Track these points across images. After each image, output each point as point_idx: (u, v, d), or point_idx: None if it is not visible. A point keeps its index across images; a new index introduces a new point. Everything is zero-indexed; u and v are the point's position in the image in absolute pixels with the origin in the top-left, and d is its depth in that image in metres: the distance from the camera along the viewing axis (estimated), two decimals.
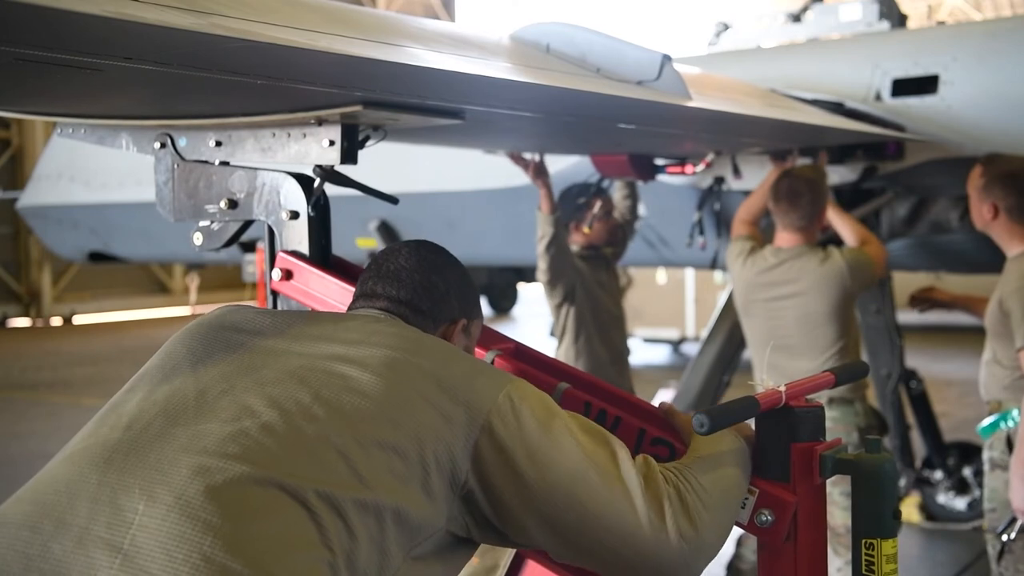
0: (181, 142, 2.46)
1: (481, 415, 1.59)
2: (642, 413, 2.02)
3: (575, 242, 4.78)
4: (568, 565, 1.83)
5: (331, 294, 2.28)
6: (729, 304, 5.24)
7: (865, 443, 1.82)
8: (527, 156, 4.46)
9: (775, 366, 4.06)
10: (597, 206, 4.73)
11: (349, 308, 1.94)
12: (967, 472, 5.91)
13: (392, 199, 2.57)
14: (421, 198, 6.39)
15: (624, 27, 22.49)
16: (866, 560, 1.76)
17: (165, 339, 1.81)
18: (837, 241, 4.44)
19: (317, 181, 2.34)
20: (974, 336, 4.23)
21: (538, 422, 1.62)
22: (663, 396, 5.98)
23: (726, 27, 6.08)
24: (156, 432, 1.52)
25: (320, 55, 1.81)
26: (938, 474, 5.99)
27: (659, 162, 4.68)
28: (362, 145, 2.38)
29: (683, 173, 4.71)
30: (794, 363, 4.01)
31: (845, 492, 3.89)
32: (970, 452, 5.89)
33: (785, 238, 4.16)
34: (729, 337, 5.40)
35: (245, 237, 2.59)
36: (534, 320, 17.92)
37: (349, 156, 2.29)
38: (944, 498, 5.97)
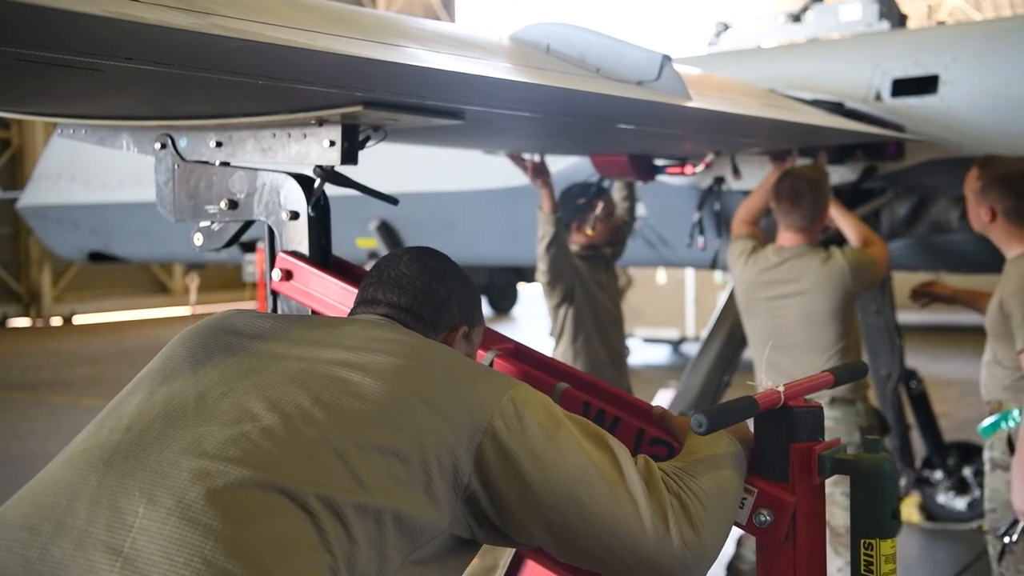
0: (182, 142, 2.46)
1: (484, 418, 1.59)
2: (641, 413, 2.02)
3: (576, 242, 4.78)
4: (568, 565, 1.83)
5: (331, 294, 2.28)
6: (729, 304, 5.24)
7: (864, 443, 1.82)
8: (526, 156, 4.46)
9: (775, 365, 4.06)
10: (599, 207, 4.73)
11: (350, 314, 1.94)
12: (967, 472, 5.92)
13: (392, 200, 2.57)
14: (421, 198, 6.39)
15: (624, 27, 22.50)
16: (865, 560, 1.77)
17: (165, 339, 1.82)
18: (840, 241, 4.44)
19: (317, 181, 2.34)
20: (974, 336, 4.23)
21: (541, 426, 1.62)
22: (663, 396, 5.97)
23: (726, 27, 6.08)
24: (156, 434, 1.52)
25: (320, 55, 1.82)
26: (938, 474, 5.99)
27: (659, 162, 4.68)
28: (362, 145, 2.38)
29: (683, 173, 4.71)
30: (795, 362, 4.01)
31: (846, 492, 3.89)
32: (970, 452, 5.89)
33: (787, 238, 4.16)
34: (729, 337, 5.40)
35: (246, 237, 2.59)
36: (534, 320, 17.91)
37: (349, 156, 2.29)
38: (944, 498, 5.97)
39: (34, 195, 8.86)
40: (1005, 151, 4.22)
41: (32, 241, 18.21)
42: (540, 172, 4.47)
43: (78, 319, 20.32)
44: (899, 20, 5.44)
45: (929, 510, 6.01)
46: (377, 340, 1.69)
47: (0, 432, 9.23)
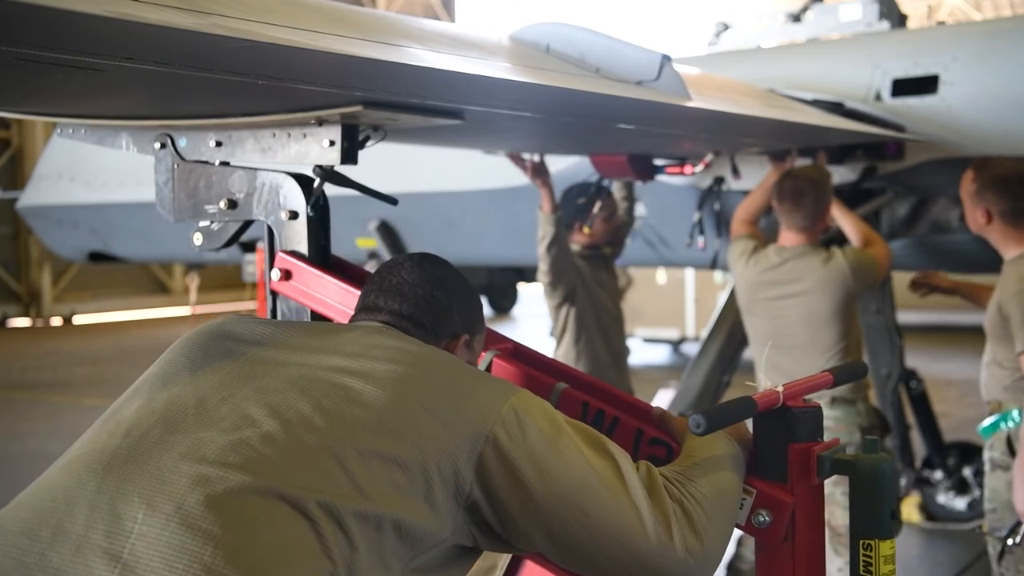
0: (181, 142, 2.46)
1: (485, 426, 1.58)
2: (640, 413, 2.02)
3: (577, 242, 4.78)
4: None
5: (330, 295, 2.28)
6: (729, 304, 5.24)
7: (863, 444, 1.82)
8: (526, 156, 4.46)
9: (776, 365, 4.06)
10: (597, 206, 4.73)
11: (351, 320, 1.93)
12: (967, 472, 5.91)
13: (391, 200, 2.57)
14: (421, 198, 6.39)
15: (624, 27, 22.49)
16: (864, 561, 1.76)
17: (165, 339, 1.81)
18: (841, 240, 4.45)
19: (316, 181, 2.34)
20: (974, 336, 4.23)
21: (543, 433, 1.62)
22: (663, 396, 5.97)
23: (726, 27, 6.08)
24: (155, 439, 1.51)
25: (320, 55, 1.82)
26: (938, 474, 5.99)
27: (658, 162, 4.68)
28: (362, 145, 2.38)
29: (682, 173, 4.71)
30: (796, 363, 4.01)
31: (847, 491, 3.89)
32: (970, 452, 5.89)
33: (789, 237, 4.16)
34: (729, 337, 5.40)
35: (246, 237, 2.59)
36: (534, 320, 17.91)
37: (349, 156, 2.29)
38: (944, 498, 5.97)
39: (34, 195, 8.86)
40: (1005, 151, 4.22)
41: (32, 241, 18.22)
42: (540, 172, 4.47)
43: (78, 319, 20.31)
44: (899, 20, 5.44)
45: (929, 510, 6.01)
46: (378, 347, 1.68)
47: (0, 432, 9.23)
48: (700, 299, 13.26)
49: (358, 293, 2.16)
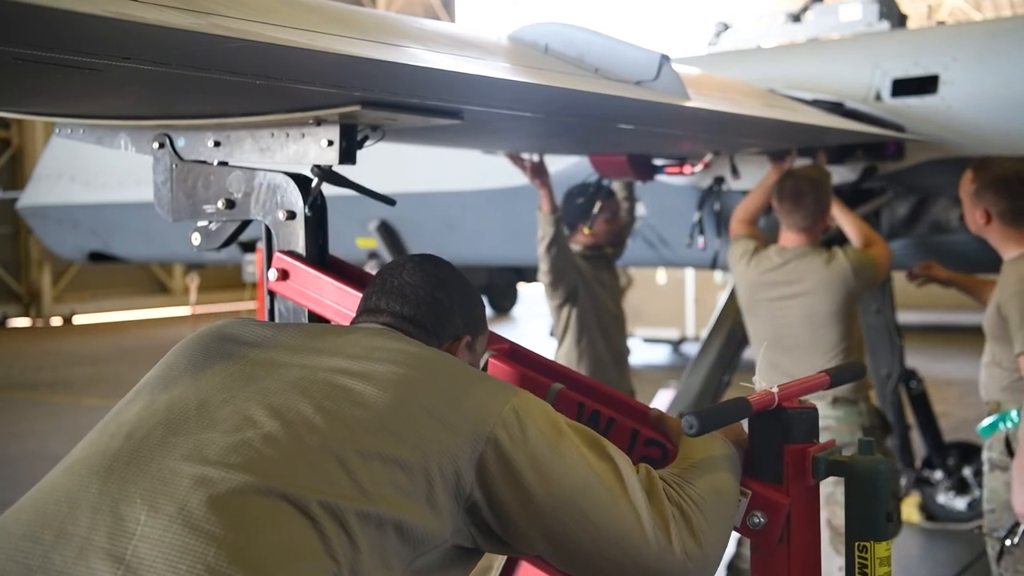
0: (179, 142, 2.46)
1: (486, 428, 1.58)
2: (636, 414, 2.01)
3: (579, 242, 4.78)
4: None
5: (327, 295, 2.27)
6: (729, 304, 5.24)
7: (859, 445, 1.82)
8: (525, 156, 4.46)
9: (778, 366, 4.05)
10: (597, 206, 4.73)
11: (353, 322, 1.93)
12: (967, 472, 5.91)
13: (389, 200, 2.57)
14: (421, 198, 6.39)
15: (624, 27, 22.49)
16: (859, 563, 1.76)
17: (165, 339, 1.82)
18: (841, 240, 4.45)
19: (314, 181, 2.34)
20: (974, 336, 4.23)
21: (543, 435, 1.62)
22: (663, 396, 5.97)
23: (726, 27, 6.08)
24: (157, 441, 1.51)
25: (319, 55, 1.82)
26: (938, 474, 5.99)
27: (658, 162, 4.68)
28: (360, 145, 2.37)
29: (681, 173, 4.71)
30: (798, 363, 4.01)
31: None
32: (970, 452, 5.88)
33: (789, 238, 4.16)
34: (729, 337, 5.39)
35: (247, 237, 2.59)
36: (534, 320, 17.91)
37: (348, 156, 2.29)
38: (944, 498, 5.97)
39: (34, 195, 8.86)
40: (1005, 151, 4.22)
41: (32, 241, 18.22)
42: (539, 172, 4.46)
43: (78, 319, 20.32)
44: (899, 20, 5.43)
45: (929, 510, 6.01)
46: (379, 349, 1.68)
47: (0, 432, 9.23)
48: (700, 299, 13.26)
49: (355, 293, 2.17)
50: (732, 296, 5.10)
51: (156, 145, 2.48)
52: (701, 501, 1.68)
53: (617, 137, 3.72)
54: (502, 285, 19.69)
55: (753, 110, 3.58)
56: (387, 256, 6.81)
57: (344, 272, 2.37)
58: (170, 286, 21.79)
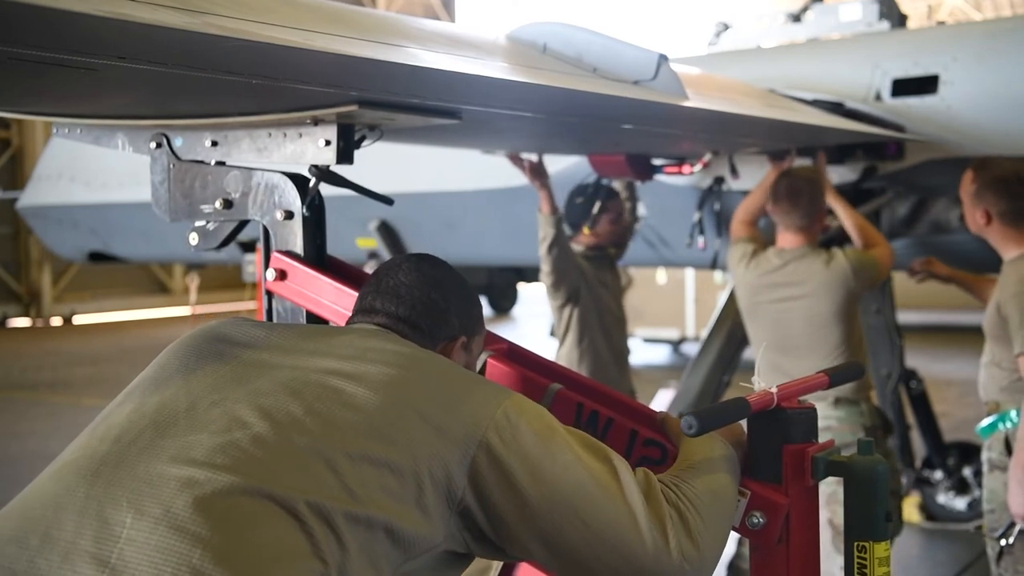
0: (177, 142, 2.46)
1: (478, 431, 1.57)
2: (634, 414, 2.01)
3: (582, 243, 4.78)
4: None
5: (325, 295, 2.27)
6: (729, 304, 5.24)
7: (858, 445, 1.81)
8: (525, 157, 4.45)
9: (779, 368, 4.05)
10: (597, 206, 4.73)
11: (348, 323, 1.92)
12: (967, 472, 5.91)
13: (387, 200, 2.56)
14: (421, 198, 6.39)
15: (624, 27, 22.49)
16: (858, 563, 1.76)
17: (165, 339, 1.81)
18: (841, 241, 4.44)
19: (312, 181, 2.34)
20: (974, 336, 4.22)
21: (538, 438, 1.60)
22: (663, 396, 5.97)
23: (726, 27, 6.07)
24: (145, 444, 1.50)
25: (316, 55, 1.81)
26: (938, 474, 5.99)
27: (657, 162, 4.68)
28: (358, 145, 2.37)
29: (680, 173, 4.71)
30: (799, 364, 4.00)
31: None
32: (970, 452, 5.88)
33: (788, 239, 4.15)
34: (729, 337, 5.39)
35: (246, 237, 2.59)
36: (534, 320, 17.91)
37: (345, 156, 2.28)
38: (944, 498, 5.97)
39: (34, 195, 8.85)
40: (1005, 151, 4.21)
41: (32, 241, 18.22)
42: (538, 173, 4.46)
43: (78, 319, 20.32)
44: (899, 20, 5.43)
45: (929, 510, 6.00)
46: (372, 350, 1.67)
47: (0, 432, 9.23)
48: (700, 299, 13.26)
49: (353, 293, 2.16)
50: (732, 296, 5.09)
51: (153, 145, 2.47)
52: (699, 503, 1.66)
53: (615, 137, 3.72)
54: (502, 285, 19.69)
55: (752, 110, 3.57)
56: (387, 256, 6.81)
57: (342, 272, 2.37)
58: (170, 286, 21.79)
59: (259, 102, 2.19)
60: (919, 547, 5.74)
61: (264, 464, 1.45)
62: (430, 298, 1.87)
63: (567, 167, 5.12)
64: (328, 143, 2.26)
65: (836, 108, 4.66)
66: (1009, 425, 3.49)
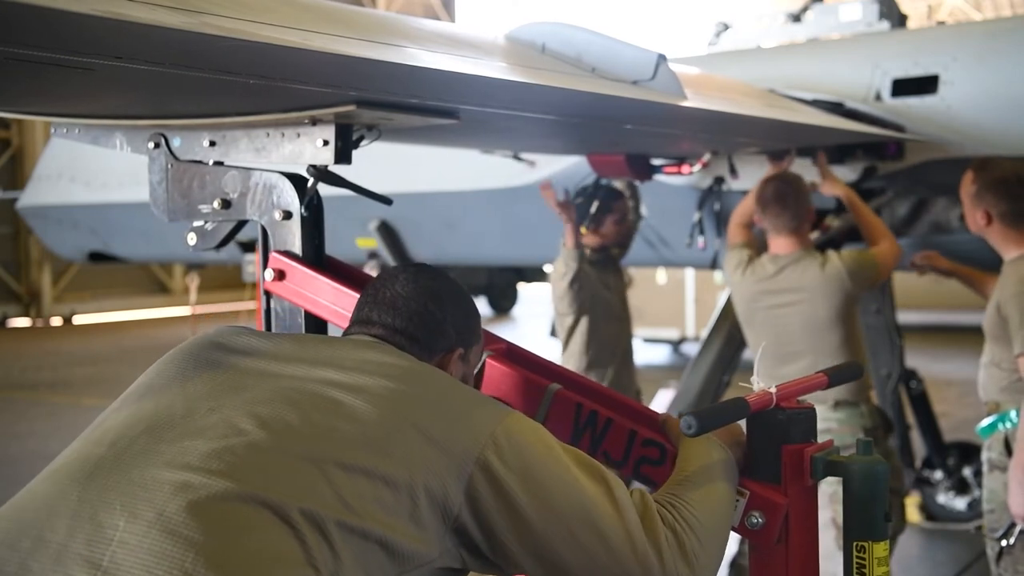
0: (175, 142, 2.45)
1: (476, 449, 1.56)
2: (633, 414, 2.01)
3: (586, 244, 4.80)
4: None
5: (324, 295, 2.26)
6: (729, 305, 5.24)
7: (856, 445, 1.81)
8: (552, 192, 4.53)
9: (780, 371, 4.04)
10: (595, 206, 4.74)
11: (344, 333, 1.91)
12: (967, 472, 5.91)
13: (385, 200, 2.55)
14: (421, 198, 6.38)
15: (624, 27, 22.48)
16: (857, 563, 1.76)
17: (165, 339, 1.81)
18: (839, 243, 4.43)
19: (310, 181, 2.33)
20: (974, 336, 4.22)
21: (535, 457, 1.60)
22: (663, 396, 5.97)
23: (726, 27, 6.07)
24: (140, 449, 1.50)
25: (314, 54, 1.81)
26: (938, 474, 5.99)
27: (656, 162, 4.68)
28: (356, 145, 2.37)
29: (680, 173, 4.71)
30: (800, 368, 4.00)
31: None
32: (970, 452, 5.88)
33: (780, 244, 4.14)
34: (729, 337, 5.39)
35: (246, 237, 2.58)
36: (534, 320, 17.91)
37: (343, 156, 2.28)
38: (944, 498, 5.97)
39: (34, 195, 8.85)
40: (1005, 151, 4.21)
41: (32, 241, 18.23)
42: (565, 208, 4.55)
43: (78, 319, 20.33)
44: (899, 20, 5.43)
45: (929, 510, 6.00)
46: (370, 363, 1.66)
47: (0, 432, 9.23)
48: (700, 299, 13.26)
49: (352, 294, 2.16)
50: (731, 298, 5.09)
51: (152, 145, 2.47)
52: (695, 524, 1.66)
53: (615, 136, 3.72)
54: (502, 285, 19.70)
55: (751, 110, 3.57)
56: (387, 256, 6.81)
57: (341, 272, 2.36)
58: (170, 286, 21.80)
59: (257, 102, 2.19)
60: (919, 547, 5.73)
61: (259, 471, 1.44)
62: (427, 310, 1.85)
63: (567, 167, 5.12)
64: (326, 143, 2.26)
65: (836, 108, 4.66)
66: (1009, 425, 3.49)
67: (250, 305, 16.33)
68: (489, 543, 1.57)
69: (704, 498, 1.70)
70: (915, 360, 6.68)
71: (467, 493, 1.54)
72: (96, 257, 9.02)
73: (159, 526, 1.35)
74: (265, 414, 1.53)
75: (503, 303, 20.03)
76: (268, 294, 2.38)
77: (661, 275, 13.33)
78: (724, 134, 3.98)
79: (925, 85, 4.63)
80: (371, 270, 6.59)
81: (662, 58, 2.78)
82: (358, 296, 1.95)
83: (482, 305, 18.77)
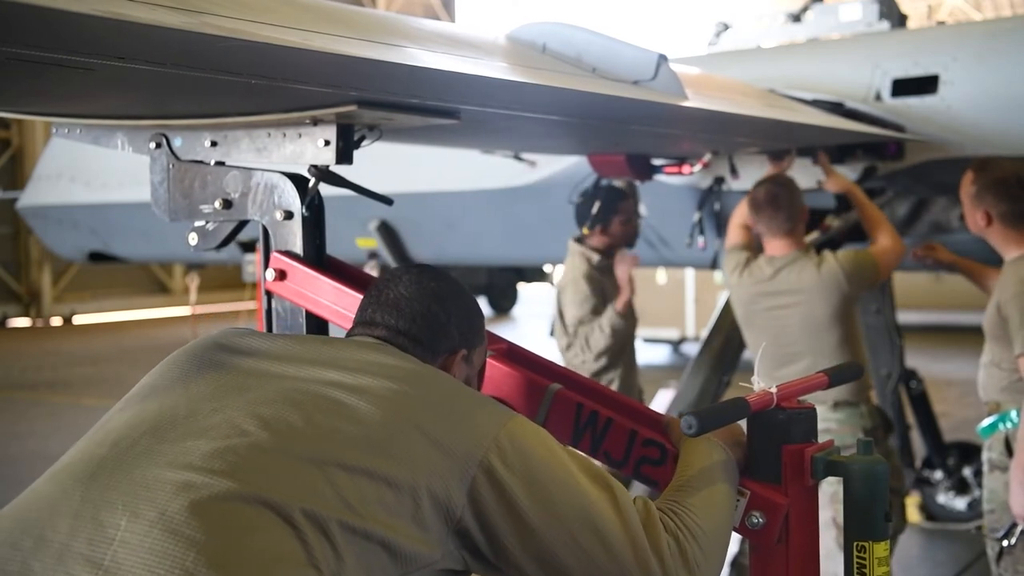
0: (176, 142, 2.46)
1: (479, 452, 1.56)
2: (634, 414, 2.01)
3: (596, 244, 4.81)
4: None
5: (325, 295, 2.27)
6: (728, 305, 5.24)
7: (857, 445, 1.81)
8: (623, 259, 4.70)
9: (779, 372, 4.04)
10: (595, 206, 4.74)
11: (348, 334, 1.91)
12: (967, 472, 5.91)
13: (386, 200, 2.56)
14: (421, 198, 6.39)
15: (624, 27, 22.48)
16: (858, 563, 1.76)
17: (165, 339, 1.82)
18: (838, 243, 4.43)
19: (312, 181, 2.33)
20: (974, 336, 4.22)
21: (539, 461, 1.60)
22: (663, 396, 5.97)
23: (726, 27, 6.07)
24: (143, 449, 1.50)
25: (315, 55, 1.81)
26: (938, 474, 5.99)
27: (656, 162, 4.68)
28: (357, 145, 2.37)
29: (680, 173, 4.71)
30: (798, 368, 4.00)
31: None
32: (970, 452, 5.88)
33: (776, 246, 4.14)
34: (729, 338, 5.39)
35: (246, 237, 2.59)
36: (534, 320, 17.91)
37: (344, 156, 2.28)
38: (944, 498, 5.97)
39: (34, 195, 8.85)
40: (1005, 151, 4.21)
41: (32, 241, 18.23)
42: (628, 277, 4.71)
43: (78, 319, 20.33)
44: (899, 20, 5.43)
45: (929, 510, 6.01)
46: (373, 364, 1.66)
47: (0, 432, 9.23)
48: (700, 299, 13.27)
49: (353, 294, 2.16)
50: (729, 302, 5.10)
51: (153, 145, 2.47)
52: (697, 531, 1.66)
53: (615, 136, 3.72)
54: (502, 285, 19.71)
55: (751, 110, 3.57)
56: (387, 256, 6.81)
57: (342, 272, 2.36)
58: (170, 286, 21.80)
59: (258, 102, 2.19)
60: (919, 547, 5.74)
61: (261, 471, 1.44)
62: (430, 311, 1.85)
63: (567, 167, 5.12)
64: (327, 143, 2.26)
65: (836, 108, 4.66)
66: (1009, 425, 3.49)
67: (250, 305, 16.33)
68: (491, 546, 1.57)
69: (706, 503, 1.71)
70: (915, 360, 6.68)
71: (470, 496, 1.54)
72: (96, 257, 9.02)
73: (161, 526, 1.36)
74: (268, 415, 1.53)
75: (503, 303, 20.04)
76: (269, 294, 2.38)
77: (661, 275, 13.33)
78: (724, 134, 3.98)
79: (925, 85, 4.63)
80: (371, 270, 6.59)
81: (663, 58, 2.78)
82: (359, 296, 1.95)
83: (482, 305, 18.73)
